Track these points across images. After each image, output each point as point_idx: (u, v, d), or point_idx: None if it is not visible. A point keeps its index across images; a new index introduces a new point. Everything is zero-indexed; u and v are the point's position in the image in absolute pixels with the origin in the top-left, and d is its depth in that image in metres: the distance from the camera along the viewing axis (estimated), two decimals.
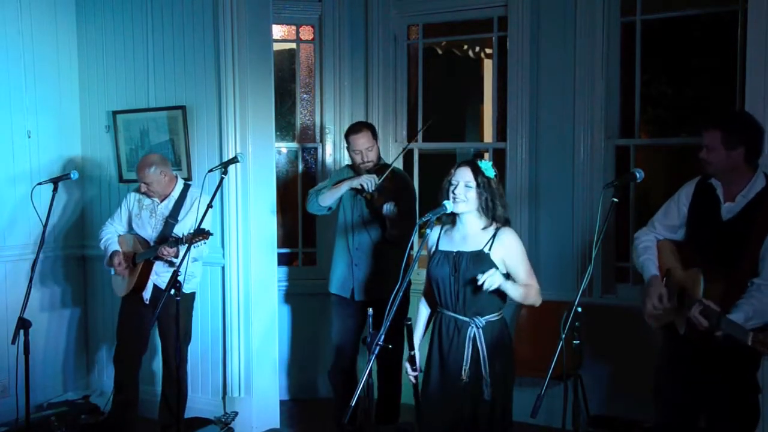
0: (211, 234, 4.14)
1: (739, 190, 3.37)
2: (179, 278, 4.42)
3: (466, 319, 3.27)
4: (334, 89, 5.58)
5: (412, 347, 3.41)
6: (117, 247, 4.61)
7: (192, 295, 4.64)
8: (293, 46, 5.71)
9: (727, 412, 3.44)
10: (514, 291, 3.26)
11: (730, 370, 3.35)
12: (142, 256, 4.48)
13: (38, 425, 4.68)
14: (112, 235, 4.67)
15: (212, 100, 4.87)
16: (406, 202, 4.44)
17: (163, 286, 4.50)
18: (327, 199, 4.51)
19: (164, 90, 5.06)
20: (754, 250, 3.24)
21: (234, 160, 4.32)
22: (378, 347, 3.00)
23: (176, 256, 4.34)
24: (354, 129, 4.54)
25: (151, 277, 4.52)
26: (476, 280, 3.18)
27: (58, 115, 5.37)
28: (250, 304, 4.89)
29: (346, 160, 5.13)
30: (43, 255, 4.64)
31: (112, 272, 4.66)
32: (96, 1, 5.34)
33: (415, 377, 3.44)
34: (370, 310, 3.39)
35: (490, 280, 3.14)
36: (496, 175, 3.32)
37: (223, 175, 4.21)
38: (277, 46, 5.42)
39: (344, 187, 4.45)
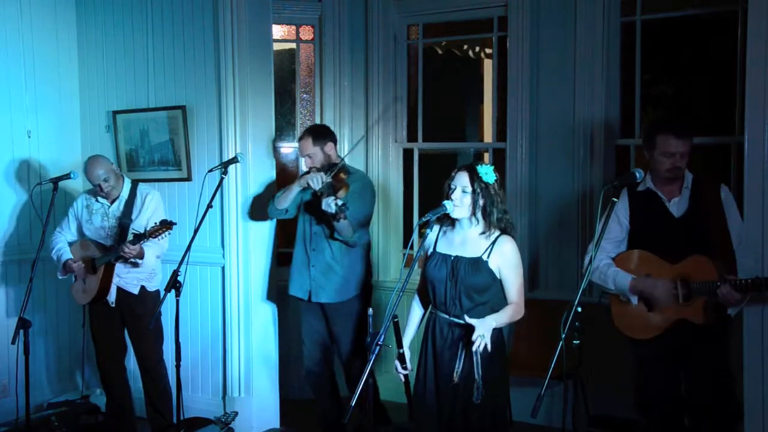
0: (175, 224, 4.10)
1: (678, 184, 3.56)
2: (143, 278, 4.47)
3: (462, 322, 3.24)
4: (334, 89, 5.58)
5: (400, 345, 3.37)
6: (70, 256, 4.54)
7: (157, 294, 4.54)
8: (293, 46, 5.71)
9: (710, 404, 3.56)
10: (503, 321, 3.23)
11: (710, 356, 3.53)
12: (102, 259, 4.39)
13: (38, 425, 4.68)
14: (63, 245, 4.59)
15: (212, 100, 4.87)
16: (351, 200, 4.24)
17: (126, 287, 4.46)
18: (282, 201, 4.43)
19: (164, 90, 5.06)
20: (723, 231, 3.44)
21: (234, 160, 4.32)
22: (378, 347, 3.00)
23: (141, 257, 4.28)
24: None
25: (114, 279, 4.43)
26: (475, 288, 3.22)
27: (58, 115, 5.37)
28: (250, 304, 4.89)
29: (346, 160, 5.12)
30: (43, 255, 4.63)
31: (73, 280, 4.62)
32: (96, 1, 5.33)
33: (405, 376, 3.42)
34: (370, 311, 3.39)
35: (481, 342, 3.07)
36: (496, 180, 3.26)
37: (223, 175, 4.21)
38: (277, 46, 5.42)
39: (294, 188, 4.37)
